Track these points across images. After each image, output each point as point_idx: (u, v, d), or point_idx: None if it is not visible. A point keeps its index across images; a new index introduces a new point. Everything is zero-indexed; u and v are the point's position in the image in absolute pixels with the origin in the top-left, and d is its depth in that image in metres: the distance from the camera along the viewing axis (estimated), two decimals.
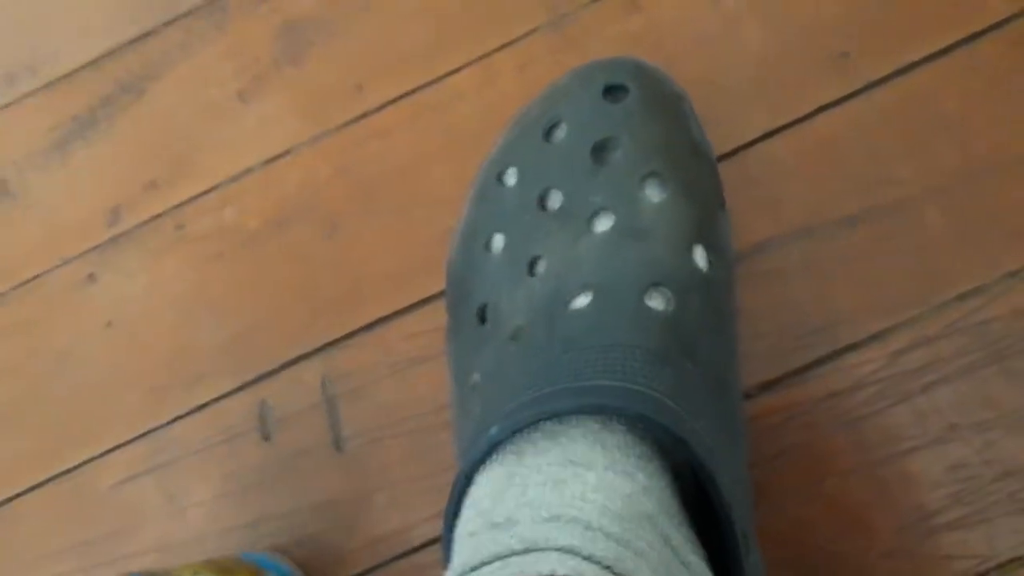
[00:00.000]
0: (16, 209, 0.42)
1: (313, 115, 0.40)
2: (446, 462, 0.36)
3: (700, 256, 0.28)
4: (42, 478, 0.40)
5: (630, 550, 0.21)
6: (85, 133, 0.42)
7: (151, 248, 0.40)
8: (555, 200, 0.30)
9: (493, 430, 0.24)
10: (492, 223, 0.31)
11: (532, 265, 0.29)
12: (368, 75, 0.40)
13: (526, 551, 0.21)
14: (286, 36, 0.41)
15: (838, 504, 0.33)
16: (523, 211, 0.30)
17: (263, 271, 0.39)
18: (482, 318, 0.30)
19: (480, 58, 0.39)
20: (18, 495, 0.40)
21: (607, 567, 0.20)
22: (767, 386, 0.34)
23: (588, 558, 0.20)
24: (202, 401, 0.39)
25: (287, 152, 0.40)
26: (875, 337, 0.34)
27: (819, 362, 0.34)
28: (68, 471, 0.39)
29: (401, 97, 0.39)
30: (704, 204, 0.29)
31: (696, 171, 0.30)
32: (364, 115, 0.40)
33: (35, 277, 0.42)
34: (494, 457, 0.25)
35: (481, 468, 0.25)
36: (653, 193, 0.29)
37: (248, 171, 0.40)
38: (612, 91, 0.30)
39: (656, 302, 0.26)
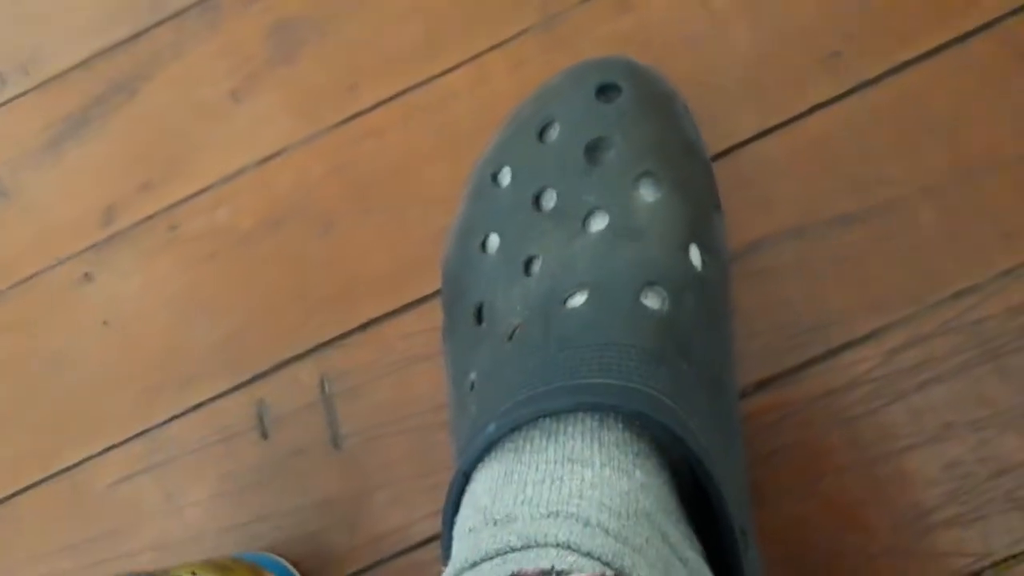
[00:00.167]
0: (10, 209, 0.42)
1: (306, 114, 0.40)
2: (445, 460, 0.36)
3: (695, 255, 0.28)
4: (39, 477, 0.39)
5: (628, 546, 0.21)
6: (78, 133, 0.42)
7: (145, 248, 0.40)
8: (549, 200, 0.30)
9: (491, 428, 0.24)
10: (487, 223, 0.31)
11: (527, 265, 0.29)
12: (361, 75, 0.40)
13: (525, 547, 0.21)
14: (278, 35, 0.41)
15: (834, 502, 0.33)
16: (518, 211, 0.30)
17: (257, 271, 0.39)
18: (478, 317, 0.30)
19: (473, 58, 0.39)
20: (15, 494, 0.40)
21: (605, 563, 0.20)
22: (762, 385, 0.34)
23: (587, 554, 0.20)
24: (199, 400, 0.39)
25: (280, 152, 0.40)
26: (870, 336, 0.34)
27: (814, 361, 0.34)
28: (65, 470, 0.39)
29: (394, 97, 0.39)
30: (698, 203, 0.29)
31: (690, 170, 0.30)
32: (357, 115, 0.40)
33: (30, 277, 0.41)
34: (492, 455, 0.25)
35: (479, 466, 0.25)
36: (647, 192, 0.29)
37: (241, 171, 0.40)
38: (605, 90, 0.30)
39: (651, 301, 0.26)
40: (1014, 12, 0.35)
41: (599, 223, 0.28)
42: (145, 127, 0.42)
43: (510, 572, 0.20)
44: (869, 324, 0.34)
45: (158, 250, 0.40)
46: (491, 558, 0.21)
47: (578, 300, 0.27)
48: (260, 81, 0.41)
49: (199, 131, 0.41)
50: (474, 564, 0.22)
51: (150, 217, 0.41)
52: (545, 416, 0.24)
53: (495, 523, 0.22)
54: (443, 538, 0.26)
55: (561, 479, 0.22)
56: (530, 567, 0.20)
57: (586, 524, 0.21)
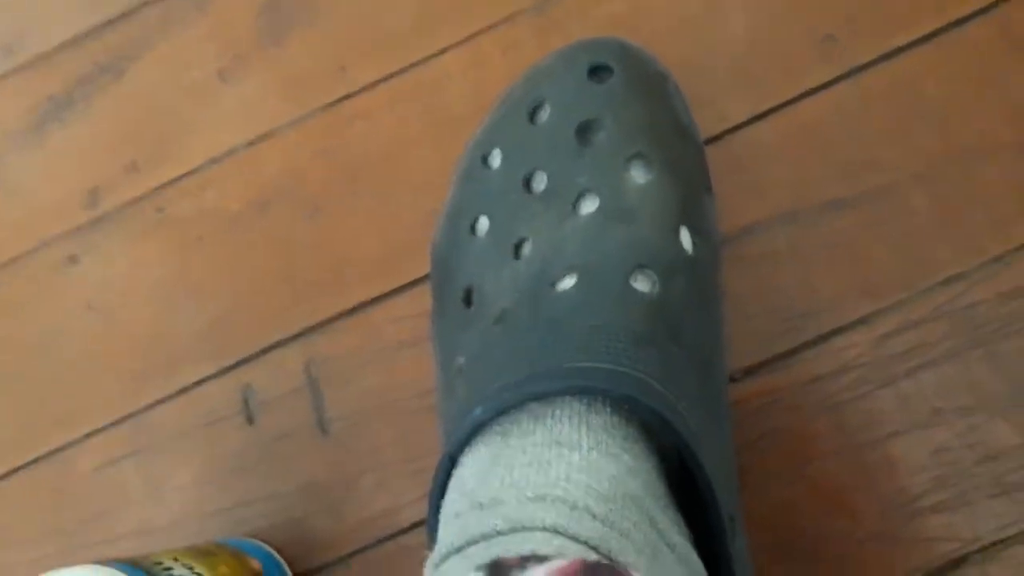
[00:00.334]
0: None
1: (295, 96, 0.40)
2: (432, 445, 0.36)
3: (685, 238, 0.28)
4: (21, 462, 0.39)
5: (615, 530, 0.21)
6: (63, 114, 0.42)
7: (131, 231, 0.40)
8: (540, 182, 0.29)
9: (478, 411, 0.24)
10: (477, 205, 0.31)
11: (517, 247, 0.29)
12: (351, 56, 0.39)
13: (511, 531, 0.21)
14: (268, 16, 0.40)
15: (821, 487, 0.33)
16: (508, 193, 0.30)
17: (245, 254, 0.39)
18: (467, 301, 0.30)
19: (465, 40, 0.39)
20: None
21: (592, 547, 0.20)
22: (752, 370, 0.34)
23: (573, 538, 0.20)
24: (184, 384, 0.38)
25: (269, 134, 0.40)
26: (860, 321, 0.34)
27: (804, 346, 0.34)
28: (48, 455, 0.39)
29: (385, 79, 0.39)
30: (689, 185, 0.29)
31: (681, 152, 0.29)
32: (347, 97, 0.39)
33: (14, 260, 0.41)
34: (479, 438, 0.25)
35: (466, 450, 0.25)
36: (638, 174, 0.28)
37: (229, 153, 0.40)
38: (596, 71, 0.30)
39: (641, 284, 0.26)
40: None
41: (590, 205, 0.28)
42: (131, 108, 0.41)
43: (495, 556, 0.19)
44: (859, 309, 0.34)
45: (144, 233, 0.40)
46: (477, 542, 0.21)
47: (568, 283, 0.26)
48: (248, 62, 0.40)
49: (186, 113, 0.41)
50: (460, 548, 0.21)
51: (136, 200, 0.40)
52: (533, 399, 0.24)
53: (481, 507, 0.22)
54: (429, 522, 0.26)
55: (548, 463, 0.22)
56: (516, 551, 0.20)
57: (573, 508, 0.21)
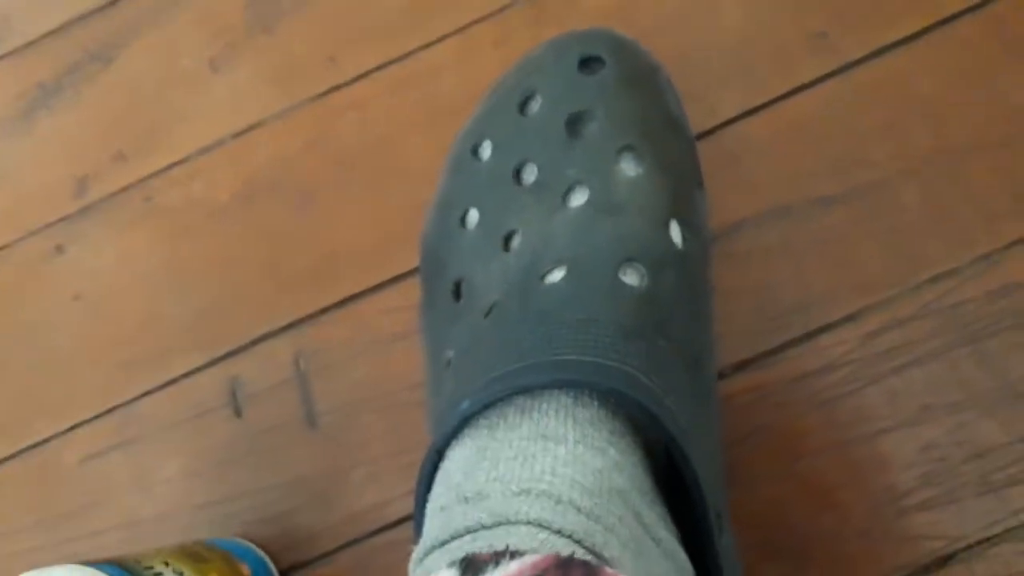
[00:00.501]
0: None
1: (286, 86, 0.39)
2: (422, 439, 0.35)
3: (675, 232, 0.28)
4: (8, 453, 0.39)
5: (600, 524, 0.21)
6: (51, 102, 0.41)
7: (119, 220, 0.40)
8: (530, 174, 0.29)
9: (465, 404, 0.24)
10: (467, 197, 0.31)
11: (507, 240, 0.29)
12: (342, 45, 0.39)
13: (496, 525, 0.20)
14: (258, 4, 0.40)
15: (810, 484, 0.33)
16: (498, 185, 0.30)
17: (234, 245, 0.39)
18: (457, 294, 0.30)
19: (457, 31, 0.39)
20: None
21: (576, 541, 0.20)
22: (741, 366, 0.34)
23: (557, 532, 0.20)
24: (171, 376, 0.38)
25: (259, 123, 0.39)
26: (849, 318, 0.34)
27: (793, 342, 0.34)
28: (35, 446, 0.39)
29: (376, 69, 0.39)
30: (680, 179, 0.29)
31: (672, 146, 0.29)
32: (338, 86, 0.39)
33: (1, 249, 0.41)
34: (466, 432, 0.25)
35: (452, 443, 0.25)
36: (628, 167, 0.28)
37: (219, 142, 0.40)
38: (588, 63, 0.30)
39: (630, 277, 0.26)
40: None
41: (580, 198, 0.28)
42: (120, 96, 0.41)
43: (471, 551, 0.19)
44: (848, 306, 0.34)
45: (132, 223, 0.40)
46: (461, 536, 0.21)
47: (556, 276, 0.26)
48: (239, 51, 0.40)
49: (176, 101, 0.40)
50: (444, 542, 0.21)
51: (124, 189, 0.40)
52: (520, 393, 0.24)
53: (466, 500, 0.22)
54: (415, 516, 0.26)
55: (534, 456, 0.22)
56: (500, 545, 0.19)
57: (558, 501, 0.21)
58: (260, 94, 0.39)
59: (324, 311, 0.37)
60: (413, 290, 0.36)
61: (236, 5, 0.40)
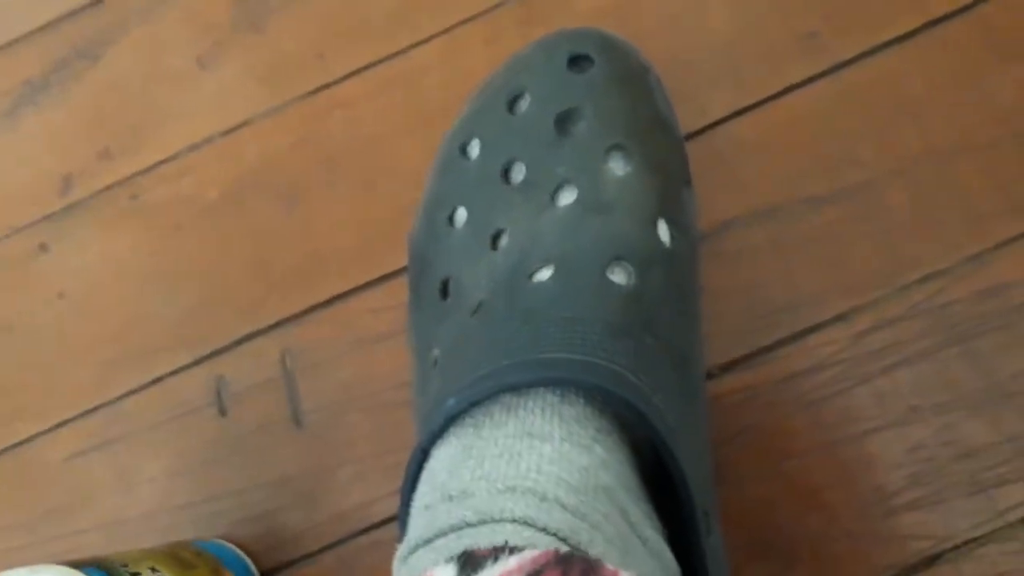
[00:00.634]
0: None
1: (274, 84, 0.39)
2: (408, 439, 0.35)
3: (663, 231, 0.28)
4: None
5: (586, 522, 0.20)
6: (37, 98, 0.41)
7: (105, 218, 0.39)
8: (518, 172, 0.29)
9: (451, 402, 0.24)
10: (455, 196, 0.30)
11: (495, 239, 0.29)
12: (331, 44, 0.39)
13: (480, 523, 0.20)
14: (247, 2, 0.40)
15: (798, 484, 0.33)
16: (486, 183, 0.29)
17: (221, 243, 0.38)
18: (444, 293, 0.30)
19: (447, 30, 0.39)
20: None
21: (562, 538, 0.20)
22: (729, 366, 0.34)
23: (543, 529, 0.20)
24: (156, 375, 0.38)
25: (247, 122, 0.39)
26: (837, 318, 0.34)
27: (781, 342, 0.34)
28: (18, 444, 0.38)
29: (365, 68, 0.39)
30: (668, 178, 0.29)
31: (661, 145, 0.29)
32: (327, 85, 0.39)
33: None
34: (451, 430, 0.24)
35: (438, 442, 0.25)
36: (617, 166, 0.28)
37: (207, 140, 0.39)
38: (577, 61, 0.30)
39: (618, 276, 0.26)
40: None
41: (568, 196, 0.28)
42: (107, 94, 0.41)
43: (464, 548, 0.19)
44: (837, 306, 0.34)
45: (118, 220, 0.39)
46: (446, 534, 0.21)
47: (544, 274, 0.26)
48: (227, 49, 0.40)
49: (163, 99, 0.40)
50: (428, 540, 0.21)
51: (110, 186, 0.40)
52: (506, 391, 0.24)
53: (451, 499, 0.22)
54: (400, 515, 0.25)
55: (519, 454, 0.22)
56: (485, 543, 0.19)
57: (543, 499, 0.20)
58: (248, 92, 0.39)
59: (310, 310, 0.37)
60: (400, 289, 0.36)
61: (224, 3, 0.40)
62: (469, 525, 0.20)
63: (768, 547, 0.33)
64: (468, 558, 0.18)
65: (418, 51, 0.39)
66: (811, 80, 0.36)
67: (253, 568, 0.35)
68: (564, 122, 0.29)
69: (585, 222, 0.27)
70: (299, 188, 0.38)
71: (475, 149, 0.31)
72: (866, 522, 0.32)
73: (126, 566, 0.28)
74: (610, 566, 0.17)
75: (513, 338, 0.25)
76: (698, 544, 0.24)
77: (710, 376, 0.34)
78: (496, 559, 0.18)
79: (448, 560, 0.18)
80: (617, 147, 0.28)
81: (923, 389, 0.33)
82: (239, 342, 0.37)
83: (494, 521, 0.20)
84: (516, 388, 0.23)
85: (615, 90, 0.29)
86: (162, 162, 0.39)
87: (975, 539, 0.32)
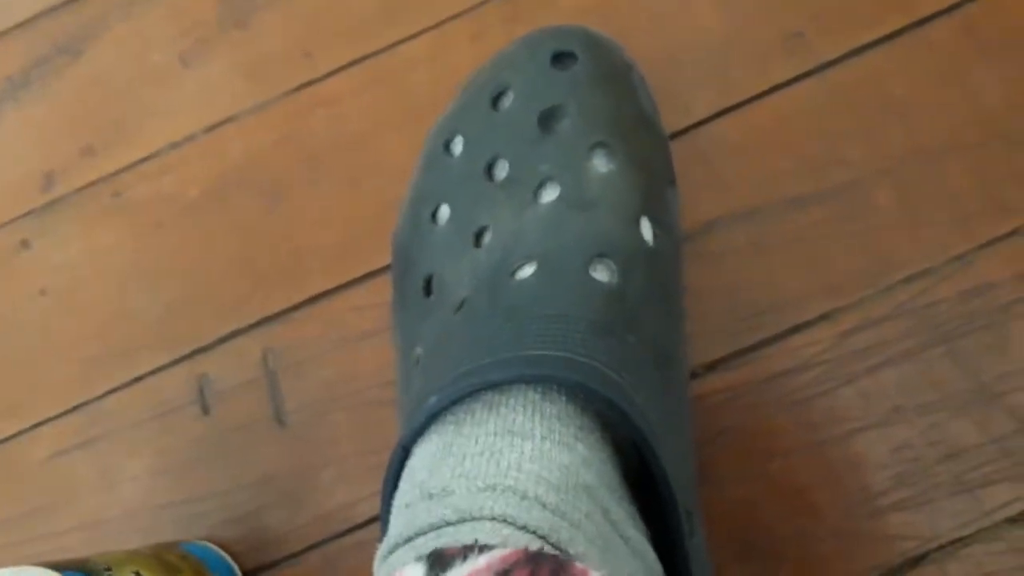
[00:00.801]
0: None
1: (258, 81, 0.39)
2: (392, 438, 0.35)
3: (646, 229, 0.28)
4: None
5: (566, 521, 0.20)
6: (18, 94, 0.41)
7: (87, 215, 0.39)
8: (502, 169, 0.29)
9: (432, 400, 0.24)
10: (438, 193, 0.30)
11: (478, 236, 0.28)
12: (316, 41, 0.39)
13: (460, 521, 0.20)
14: None
15: (782, 484, 0.33)
16: (469, 180, 0.29)
17: (203, 241, 0.38)
18: (427, 290, 0.29)
19: (432, 27, 0.38)
20: None
21: (542, 537, 0.19)
22: (712, 366, 0.34)
23: (522, 528, 0.20)
24: (138, 373, 0.37)
25: (230, 119, 0.39)
26: (822, 318, 0.34)
27: (765, 342, 0.34)
28: None
29: (350, 64, 0.38)
30: (652, 177, 0.29)
31: (644, 143, 0.29)
32: (311, 82, 0.39)
33: None
34: (432, 428, 0.24)
35: (419, 440, 0.25)
36: (600, 164, 0.28)
37: (189, 138, 0.39)
38: (560, 59, 0.30)
39: (600, 274, 0.26)
40: None
41: (551, 194, 0.28)
42: (89, 90, 0.40)
43: (438, 546, 0.19)
44: (821, 306, 0.34)
45: (100, 218, 0.39)
46: (425, 532, 0.21)
47: (526, 272, 0.26)
48: (211, 46, 0.40)
49: (146, 96, 0.40)
50: (408, 539, 0.21)
51: (92, 183, 0.39)
52: (488, 388, 0.23)
53: (431, 497, 0.21)
54: (382, 515, 0.25)
55: (500, 452, 0.22)
56: (464, 541, 0.19)
57: (523, 497, 0.20)
58: (232, 89, 0.39)
59: (293, 308, 0.37)
60: (383, 288, 0.36)
61: None
62: (448, 524, 0.20)
63: (752, 548, 0.33)
64: (437, 557, 0.18)
65: (403, 48, 0.38)
66: (797, 80, 0.36)
67: (237, 571, 0.35)
68: (548, 119, 0.29)
69: (568, 219, 0.27)
70: (282, 185, 0.38)
71: (459, 146, 0.30)
72: (851, 522, 0.32)
73: (109, 570, 0.28)
74: (579, 564, 0.17)
75: (496, 336, 0.25)
76: (681, 544, 0.24)
77: (694, 376, 0.34)
78: (465, 558, 0.18)
79: (418, 559, 0.18)
80: (600, 145, 0.28)
81: (908, 389, 0.33)
82: (222, 340, 0.37)
83: (473, 519, 0.20)
84: (498, 385, 0.23)
85: (599, 88, 0.29)
86: (145, 159, 0.39)
87: (961, 539, 0.31)
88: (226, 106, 0.39)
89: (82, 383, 0.38)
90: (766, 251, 0.34)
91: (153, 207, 0.39)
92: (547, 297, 0.25)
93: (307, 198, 0.38)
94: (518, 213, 0.28)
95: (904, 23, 0.36)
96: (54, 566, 0.26)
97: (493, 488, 0.21)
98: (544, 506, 0.20)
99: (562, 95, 0.29)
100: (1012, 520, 0.31)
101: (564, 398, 0.24)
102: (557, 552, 0.19)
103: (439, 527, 0.20)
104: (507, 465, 0.21)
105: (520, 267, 0.26)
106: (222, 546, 0.35)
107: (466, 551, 0.18)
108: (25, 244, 0.39)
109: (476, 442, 0.22)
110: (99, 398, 0.38)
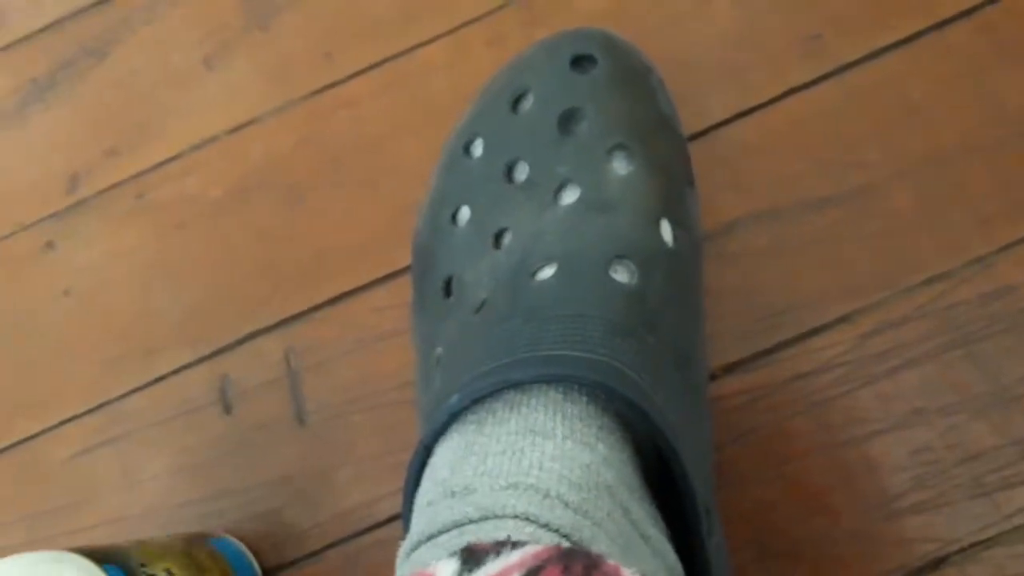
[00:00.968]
0: None
1: (280, 83, 0.39)
2: (411, 438, 0.35)
3: (666, 230, 0.28)
4: None
5: (588, 519, 0.20)
6: (44, 96, 0.41)
7: (111, 216, 0.40)
8: (521, 171, 0.29)
9: (453, 399, 0.24)
10: (458, 195, 0.30)
11: (498, 237, 0.29)
12: (337, 43, 0.39)
13: (482, 519, 0.20)
14: (254, 1, 0.40)
15: (800, 486, 0.33)
16: (489, 182, 0.29)
17: (226, 242, 0.39)
18: (447, 291, 0.30)
19: (451, 31, 0.39)
20: None
21: (564, 535, 0.20)
22: (731, 367, 0.34)
23: (545, 526, 0.20)
24: (161, 373, 0.38)
25: (253, 120, 0.39)
26: (841, 320, 0.34)
27: (784, 344, 0.34)
28: (22, 441, 0.39)
29: (371, 67, 0.39)
30: (671, 178, 0.29)
31: (663, 145, 0.29)
32: (332, 84, 0.39)
33: None
34: (454, 428, 0.24)
35: (441, 439, 0.25)
36: (619, 166, 0.28)
37: (212, 139, 0.39)
38: (580, 62, 0.30)
39: (620, 275, 0.26)
40: (992, 0, 0.35)
41: (570, 196, 0.28)
42: (114, 92, 0.41)
43: (468, 542, 0.19)
44: (841, 308, 0.34)
45: (124, 219, 0.39)
46: (448, 530, 0.21)
47: (547, 273, 0.26)
48: (233, 48, 0.40)
49: (170, 98, 0.40)
50: (431, 537, 0.21)
51: (116, 185, 0.40)
52: (509, 388, 0.24)
53: (453, 495, 0.22)
54: (403, 513, 0.25)
55: (522, 451, 0.22)
56: (487, 539, 0.19)
57: (545, 496, 0.20)
58: (254, 91, 0.39)
59: (315, 309, 0.37)
60: (404, 288, 0.36)
61: (231, 2, 0.40)
62: (471, 521, 0.20)
63: (771, 549, 0.33)
64: (470, 552, 0.18)
65: (423, 51, 0.39)
66: (815, 82, 0.36)
67: (258, 570, 0.35)
68: (567, 122, 0.29)
69: (588, 221, 0.27)
70: (304, 187, 0.38)
71: (478, 148, 0.31)
72: (870, 525, 0.32)
73: (144, 565, 0.28)
74: (611, 562, 0.17)
75: (515, 336, 0.25)
76: (701, 542, 0.24)
77: (713, 377, 0.34)
78: (498, 554, 0.18)
79: (451, 555, 0.18)
80: (619, 147, 0.28)
81: (927, 391, 0.33)
82: (243, 341, 0.37)
83: (496, 517, 0.20)
84: (519, 385, 0.23)
85: (617, 90, 0.29)
86: (168, 161, 0.40)
87: (981, 542, 0.31)
88: (248, 108, 0.39)
89: (105, 383, 0.38)
90: (785, 253, 0.34)
91: (176, 208, 0.39)
92: (567, 298, 0.25)
93: (328, 199, 0.38)
94: (538, 215, 0.28)
95: (922, 26, 0.36)
96: (89, 552, 0.27)
97: (515, 486, 0.21)
98: (566, 505, 0.20)
99: (581, 98, 0.29)
100: None
101: (585, 398, 0.24)
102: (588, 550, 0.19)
103: (462, 525, 0.21)
104: (529, 464, 0.21)
105: (540, 268, 0.26)
106: (243, 542, 0.35)
107: (499, 547, 0.18)
108: (50, 245, 0.40)
109: (498, 441, 0.23)
110: (121, 397, 0.38)
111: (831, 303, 0.34)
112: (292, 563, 0.35)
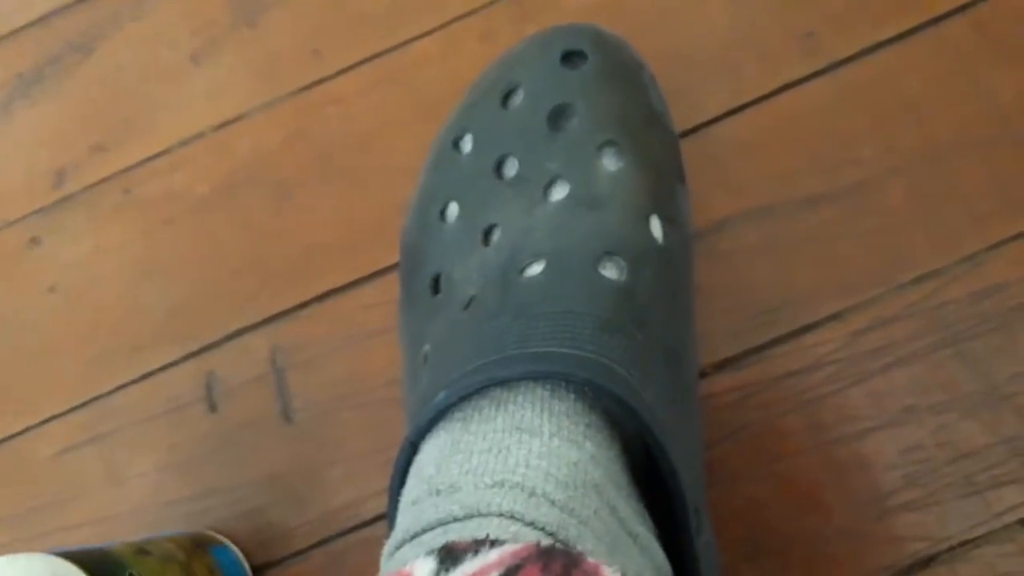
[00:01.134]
0: None
1: (268, 79, 0.39)
2: (399, 436, 0.35)
3: (656, 227, 0.27)
4: None
5: (574, 518, 0.20)
6: (30, 92, 0.41)
7: (97, 212, 0.39)
8: (511, 167, 0.29)
9: (440, 396, 0.24)
10: (447, 191, 0.30)
11: (487, 234, 0.28)
12: (326, 39, 0.39)
13: (467, 517, 0.20)
14: None
15: (792, 484, 0.33)
16: (479, 178, 0.29)
17: (213, 238, 0.38)
18: (435, 288, 0.29)
19: (442, 26, 0.38)
20: None
21: (550, 533, 0.19)
22: (723, 364, 0.34)
23: (530, 524, 0.19)
24: (147, 370, 0.38)
25: (240, 117, 0.39)
26: (833, 317, 0.34)
27: (776, 341, 0.34)
28: (7, 439, 0.38)
29: (360, 63, 0.38)
30: (661, 175, 0.29)
31: (654, 141, 0.29)
32: (320, 80, 0.39)
33: None
34: (440, 425, 0.24)
35: (427, 436, 0.25)
36: (609, 162, 0.28)
37: (199, 135, 0.39)
38: (570, 57, 0.30)
39: (609, 271, 0.26)
40: None
41: (560, 192, 0.28)
42: (101, 88, 0.40)
43: (444, 543, 0.19)
44: (833, 306, 0.33)
45: (110, 214, 0.39)
46: (432, 528, 0.21)
47: (535, 269, 0.26)
48: (221, 44, 0.40)
49: (157, 93, 0.40)
50: (415, 535, 0.21)
51: (103, 180, 0.39)
52: (496, 385, 0.23)
53: (438, 493, 0.21)
54: (389, 511, 0.25)
55: (508, 448, 0.22)
56: (471, 537, 0.19)
57: (531, 494, 0.20)
58: (242, 87, 0.39)
59: (302, 306, 0.37)
60: (392, 286, 0.36)
61: None
62: (456, 519, 0.20)
63: (762, 547, 0.32)
64: (448, 552, 0.18)
65: (413, 47, 0.38)
66: (808, 78, 0.36)
67: (247, 569, 0.35)
68: (557, 118, 0.29)
69: (577, 217, 0.27)
70: (292, 184, 0.38)
71: (468, 144, 0.30)
72: (861, 523, 0.32)
73: (123, 555, 0.28)
74: (592, 559, 0.17)
75: (504, 333, 0.25)
76: (689, 541, 0.24)
77: (703, 375, 0.34)
78: (476, 552, 0.18)
79: (428, 553, 0.18)
80: (610, 143, 0.28)
81: (919, 390, 0.33)
82: (230, 337, 0.37)
83: (481, 515, 0.20)
84: (506, 382, 0.23)
85: (608, 86, 0.29)
86: (155, 156, 0.39)
87: (971, 540, 0.31)
88: (235, 103, 0.39)
89: (91, 379, 0.38)
90: (777, 250, 0.34)
91: (163, 204, 0.39)
92: (556, 295, 0.25)
93: (316, 196, 0.38)
94: (527, 211, 0.28)
95: (917, 22, 0.35)
96: (80, 559, 0.26)
97: (501, 484, 0.21)
98: (552, 503, 0.20)
99: (571, 93, 0.29)
100: (1023, 522, 0.31)
101: (573, 395, 0.24)
102: (569, 548, 0.19)
103: (446, 523, 0.20)
104: (515, 462, 0.21)
105: (529, 265, 0.26)
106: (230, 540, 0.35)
107: (477, 545, 0.18)
108: (35, 241, 0.39)
109: (484, 439, 0.22)
110: (108, 394, 0.38)
111: (823, 300, 0.34)
112: (279, 561, 0.35)
